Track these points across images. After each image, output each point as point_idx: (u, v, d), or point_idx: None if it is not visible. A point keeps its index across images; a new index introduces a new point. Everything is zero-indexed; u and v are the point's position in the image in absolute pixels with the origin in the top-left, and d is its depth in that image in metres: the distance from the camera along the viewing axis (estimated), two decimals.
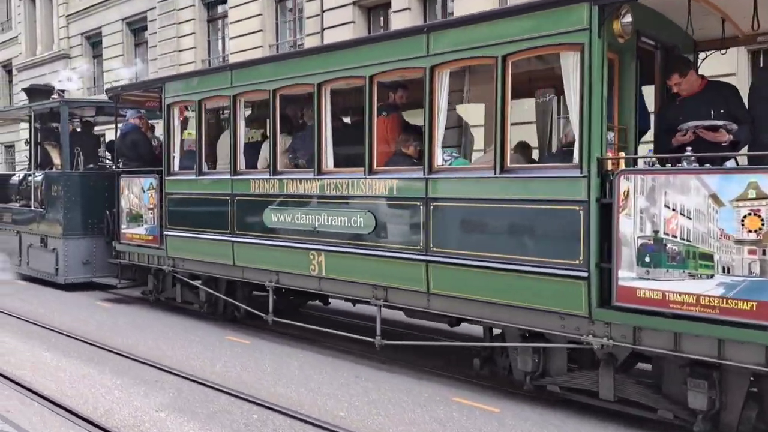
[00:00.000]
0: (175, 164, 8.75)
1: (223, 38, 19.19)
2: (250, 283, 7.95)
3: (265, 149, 7.74)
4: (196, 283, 8.69)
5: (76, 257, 11.01)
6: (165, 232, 8.73)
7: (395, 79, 6.52)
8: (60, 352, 6.96)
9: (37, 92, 14.17)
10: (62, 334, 7.70)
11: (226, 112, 8.50)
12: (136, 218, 9.33)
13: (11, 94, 31.27)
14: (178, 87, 8.60)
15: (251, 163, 7.83)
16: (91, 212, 11.09)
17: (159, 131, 10.57)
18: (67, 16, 25.60)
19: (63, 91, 14.26)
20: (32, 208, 11.83)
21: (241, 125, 7.80)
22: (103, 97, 12.11)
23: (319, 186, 6.73)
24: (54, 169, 11.55)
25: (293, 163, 7.38)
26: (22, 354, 6.85)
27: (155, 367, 6.39)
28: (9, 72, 31.04)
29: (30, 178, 12.92)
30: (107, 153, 12.60)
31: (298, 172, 7.10)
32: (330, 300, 8.48)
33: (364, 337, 6.41)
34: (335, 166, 6.83)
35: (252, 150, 7.90)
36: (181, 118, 8.86)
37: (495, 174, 5.29)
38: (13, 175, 14.36)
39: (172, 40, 19.94)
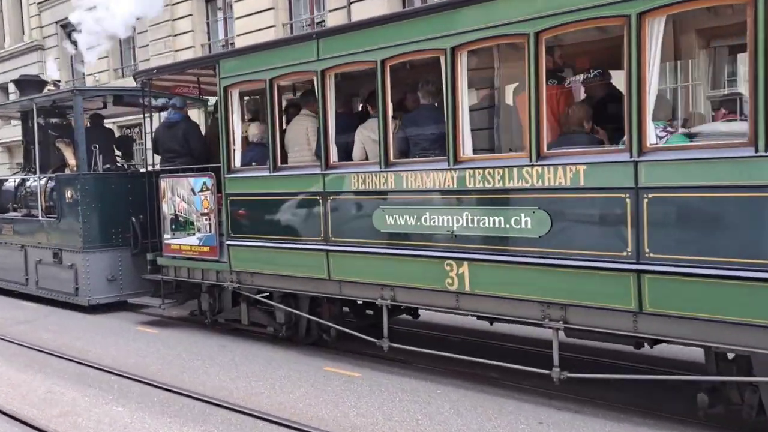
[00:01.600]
0: (236, 159, 7.22)
1: (225, 19, 17.46)
2: (341, 300, 6.55)
3: (362, 135, 6.30)
4: (271, 301, 7.21)
5: (99, 274, 9.38)
6: (227, 242, 7.21)
7: (575, 34, 5.09)
8: (133, 403, 5.42)
9: (28, 84, 12.39)
10: (123, 376, 6.14)
11: (300, 92, 7.02)
12: (184, 226, 7.78)
13: None
14: (239, 64, 7.03)
15: (342, 155, 6.39)
16: (114, 220, 9.47)
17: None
18: (39, 3, 23.42)
19: (58, 81, 12.54)
20: (40, 217, 10.13)
21: (331, 107, 6.31)
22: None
23: (456, 178, 5.31)
24: (67, 171, 9.85)
25: (410, 152, 5.94)
26: (87, 411, 5.27)
27: (272, 421, 4.91)
28: None
29: (31, 183, 11.20)
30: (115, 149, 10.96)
31: (423, 162, 5.66)
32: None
33: (536, 369, 5.03)
34: (475, 152, 5.43)
35: (344, 137, 6.43)
36: (245, 103, 7.33)
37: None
38: (6, 180, 12.54)
39: (165, 23, 18.10)
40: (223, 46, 17.24)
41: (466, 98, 5.35)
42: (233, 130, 7.21)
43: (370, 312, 7.33)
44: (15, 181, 11.90)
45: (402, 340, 6.13)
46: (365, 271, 6.06)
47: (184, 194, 7.76)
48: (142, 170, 10.69)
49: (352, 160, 6.42)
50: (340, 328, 6.61)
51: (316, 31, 6.32)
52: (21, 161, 25.52)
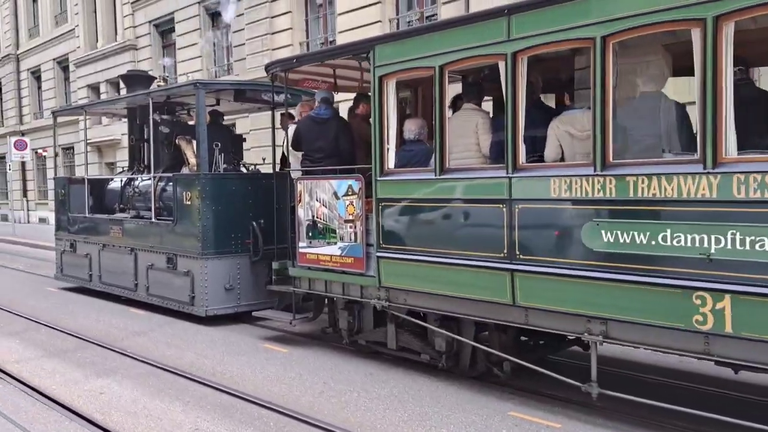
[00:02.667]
0: (390, 160, 6.27)
1: (326, 16, 16.73)
2: (515, 327, 5.49)
3: (558, 131, 5.24)
4: (428, 323, 6.22)
5: (217, 282, 8.64)
6: (376, 254, 6.27)
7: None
8: None
9: (136, 79, 11.94)
10: (276, 410, 5.21)
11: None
12: (323, 234, 6.88)
13: (67, 92, 29.38)
14: (399, 50, 6.06)
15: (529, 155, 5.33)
16: (233, 225, 8.72)
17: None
18: (132, 3, 23.43)
19: (167, 76, 12.00)
20: (153, 219, 9.49)
21: (522, 97, 5.26)
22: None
23: (717, 186, 4.16)
24: (185, 170, 9.17)
25: (628, 150, 4.83)
26: None
27: None
28: (65, 69, 29.11)
29: (139, 183, 10.64)
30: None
31: (662, 163, 4.53)
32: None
33: None
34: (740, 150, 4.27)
35: (530, 133, 5.38)
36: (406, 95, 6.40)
37: None
38: (111, 179, 12.09)
39: (263, 21, 17.54)
40: (322, 44, 16.52)
41: (729, 81, 4.20)
42: (388, 127, 6.26)
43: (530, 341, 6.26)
44: (121, 181, 11.40)
45: (609, 384, 4.99)
46: (567, 298, 4.96)
47: (325, 198, 6.87)
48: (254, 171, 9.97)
49: (540, 161, 5.39)
50: (527, 364, 5.50)
51: (507, 6, 5.28)
52: (111, 161, 25.94)
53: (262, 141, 13.96)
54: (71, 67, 27.80)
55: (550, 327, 5.21)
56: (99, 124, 25.74)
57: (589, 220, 4.75)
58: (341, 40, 15.25)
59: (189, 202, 8.73)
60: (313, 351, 7.22)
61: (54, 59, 29.30)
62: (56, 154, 12.53)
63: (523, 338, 6.17)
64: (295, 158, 7.97)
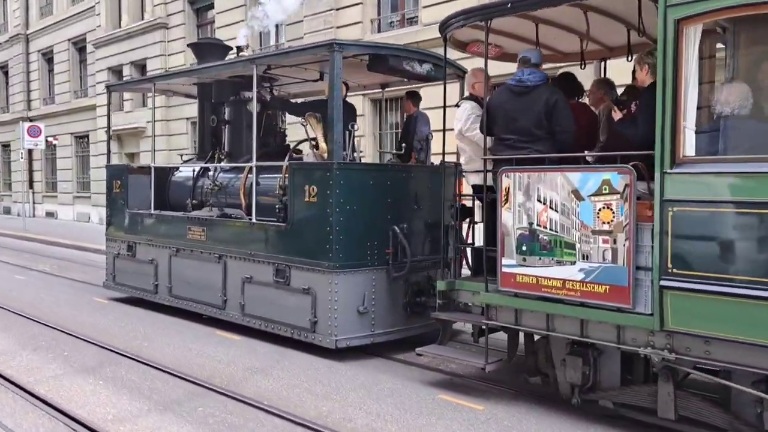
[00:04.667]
0: (688, 143, 4.30)
1: None
2: None
3: None
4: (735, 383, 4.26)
5: (349, 304, 6.64)
6: (661, 282, 4.30)
7: None
8: None
9: (209, 49, 9.97)
10: None
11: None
12: (550, 248, 4.90)
13: (83, 76, 27.15)
14: None
15: None
16: (372, 229, 6.74)
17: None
18: None
19: (246, 47, 9.99)
20: (254, 220, 7.46)
21: None
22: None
23: None
24: (308, 158, 7.12)
25: None
26: None
27: None
28: (81, 50, 26.88)
29: (218, 173, 8.65)
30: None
31: None
32: None
33: None
34: None
35: None
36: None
37: None
38: (176, 168, 10.03)
39: None
40: (398, 21, 14.53)
41: None
42: (686, 95, 4.28)
43: None
44: (194, 171, 9.37)
45: None
46: None
47: (557, 198, 4.88)
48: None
49: None
50: None
51: None
52: (134, 151, 23.76)
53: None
54: (89, 48, 25.60)
55: None
56: (120, 110, 23.59)
57: None
58: (426, 17, 13.29)
59: (314, 199, 6.71)
60: (522, 411, 5.21)
61: (69, 39, 27.03)
62: (109, 137, 10.45)
63: None
64: (473, 145, 6.00)
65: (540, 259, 4.98)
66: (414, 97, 8.44)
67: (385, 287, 6.84)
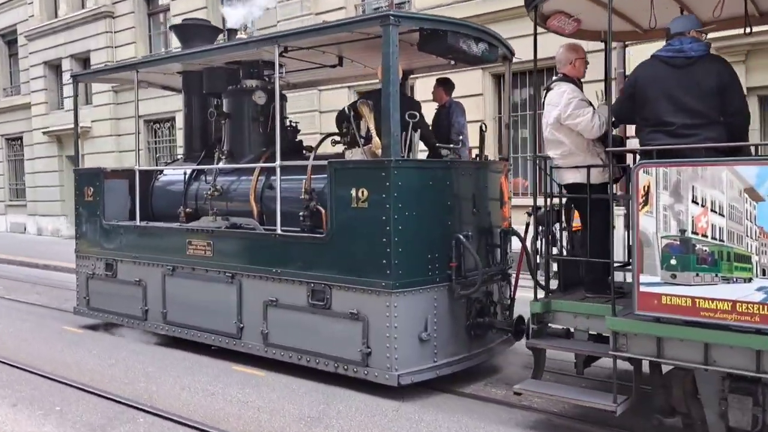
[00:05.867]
0: None
1: None
2: None
3: None
4: None
5: (410, 330, 5.49)
6: None
7: None
8: None
9: (194, 30, 8.64)
10: None
11: None
12: (711, 262, 3.92)
13: (13, 71, 24.64)
14: None
15: None
16: (431, 239, 5.62)
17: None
18: None
19: (242, 28, 8.65)
20: (280, 231, 6.19)
21: None
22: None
23: None
24: (357, 154, 5.86)
25: None
26: None
27: None
28: (10, 43, 24.40)
29: (216, 177, 7.36)
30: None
31: None
32: None
33: None
34: None
35: None
36: None
37: None
38: (159, 172, 8.56)
39: None
40: (386, 7, 13.37)
41: None
42: None
43: None
44: (185, 174, 7.97)
45: None
46: None
47: (721, 199, 3.91)
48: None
49: None
50: None
51: None
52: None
53: None
54: (20, 41, 23.24)
55: None
56: (60, 108, 21.49)
57: None
58: (420, 3, 12.21)
59: (364, 205, 5.51)
60: None
61: None
62: (78, 136, 8.83)
63: None
64: (572, 136, 4.96)
65: (697, 275, 3.99)
66: (447, 84, 7.37)
67: (447, 308, 5.73)
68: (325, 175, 6.06)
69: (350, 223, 5.65)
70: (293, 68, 7.83)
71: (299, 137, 7.77)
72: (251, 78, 7.64)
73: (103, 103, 19.76)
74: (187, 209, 7.70)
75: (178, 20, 17.43)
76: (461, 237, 5.62)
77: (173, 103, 17.74)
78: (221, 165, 7.40)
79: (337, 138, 6.68)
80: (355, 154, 5.82)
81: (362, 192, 5.53)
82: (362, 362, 5.57)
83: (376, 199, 5.45)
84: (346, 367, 5.68)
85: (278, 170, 6.23)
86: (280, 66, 7.73)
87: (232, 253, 6.64)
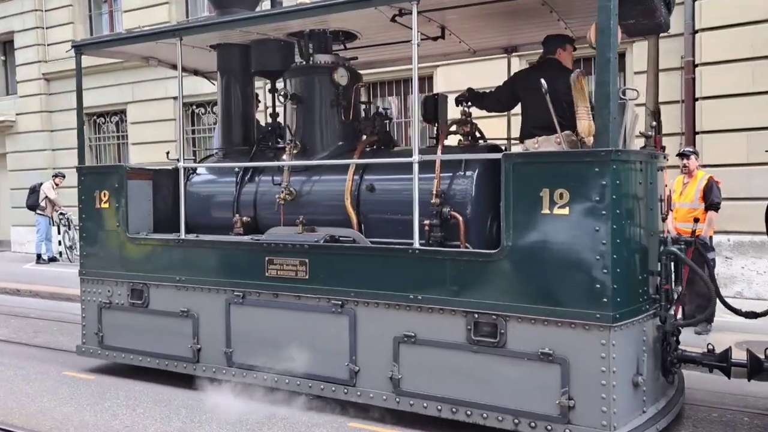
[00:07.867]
0: None
1: None
2: None
3: None
4: None
5: (625, 373, 4.23)
6: None
7: None
8: None
9: None
10: None
11: None
12: None
13: None
14: None
15: None
16: (644, 257, 4.41)
17: None
18: None
19: None
20: (418, 246, 4.73)
21: None
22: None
23: None
24: (549, 145, 4.50)
25: None
26: None
27: None
28: None
29: (276, 177, 5.84)
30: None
31: None
32: None
33: None
34: None
35: None
36: None
37: None
38: (192, 172, 6.79)
39: None
40: None
41: None
42: None
43: None
44: (236, 174, 6.30)
45: None
46: None
47: None
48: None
49: None
50: None
51: None
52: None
53: None
54: None
55: None
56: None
57: None
58: None
59: (562, 210, 4.19)
60: None
61: None
62: (81, 122, 6.78)
63: None
64: None
65: None
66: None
67: (652, 342, 4.55)
68: (450, 174, 4.83)
69: (540, 236, 4.31)
70: (367, 42, 6.41)
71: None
72: (320, 53, 6.14)
73: (32, 93, 17.08)
74: (244, 218, 6.06)
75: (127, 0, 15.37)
76: (677, 251, 4.44)
77: (122, 94, 15.57)
78: (312, 161, 5.80)
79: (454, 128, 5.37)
80: (545, 144, 4.49)
81: (560, 194, 4.21)
82: (561, 418, 4.24)
83: (583, 203, 4.15)
84: (533, 423, 4.33)
85: (415, 167, 4.76)
86: (354, 37, 6.39)
87: (341, 275, 5.10)
